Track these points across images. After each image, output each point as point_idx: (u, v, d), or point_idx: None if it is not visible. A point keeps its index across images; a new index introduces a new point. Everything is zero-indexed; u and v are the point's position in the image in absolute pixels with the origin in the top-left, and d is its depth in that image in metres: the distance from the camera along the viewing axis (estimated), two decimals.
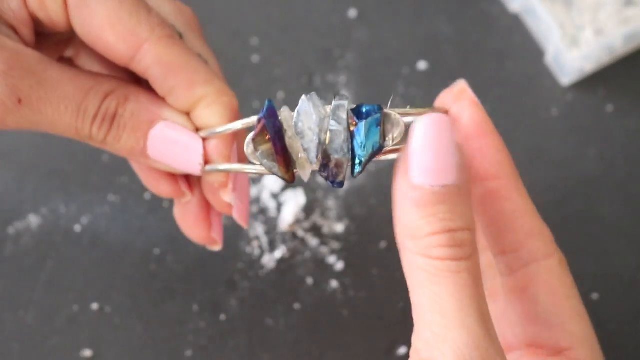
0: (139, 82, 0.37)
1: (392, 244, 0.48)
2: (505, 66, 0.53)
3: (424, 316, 0.31)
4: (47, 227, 0.49)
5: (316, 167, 0.32)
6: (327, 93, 0.52)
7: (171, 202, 0.49)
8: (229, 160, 0.36)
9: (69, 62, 0.40)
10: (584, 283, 0.48)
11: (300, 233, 0.49)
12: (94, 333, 0.47)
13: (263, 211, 0.49)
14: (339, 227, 0.49)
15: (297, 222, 0.49)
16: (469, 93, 0.36)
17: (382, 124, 0.31)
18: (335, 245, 0.49)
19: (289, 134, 0.32)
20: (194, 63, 0.35)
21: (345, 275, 0.48)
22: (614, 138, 0.52)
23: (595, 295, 0.48)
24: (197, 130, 0.36)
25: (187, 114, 0.36)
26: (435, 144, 0.30)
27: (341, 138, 0.31)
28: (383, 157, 0.32)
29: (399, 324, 0.47)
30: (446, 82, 0.53)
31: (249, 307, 0.47)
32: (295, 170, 0.32)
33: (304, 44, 0.54)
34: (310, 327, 0.47)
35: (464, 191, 0.31)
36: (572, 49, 0.52)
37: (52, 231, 0.49)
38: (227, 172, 0.36)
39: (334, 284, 0.48)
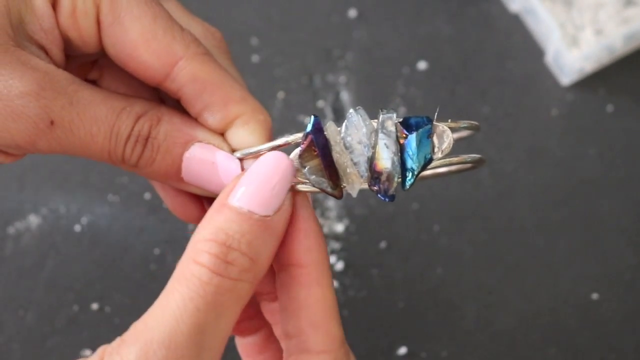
0: (166, 104, 0.37)
1: (392, 244, 0.49)
2: (505, 66, 0.53)
3: (153, 306, 0.32)
4: (47, 227, 0.49)
5: (365, 181, 0.31)
6: (327, 93, 0.53)
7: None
8: None
9: (93, 84, 0.39)
10: (584, 283, 0.48)
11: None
12: (94, 333, 0.47)
13: None
14: (339, 227, 0.49)
15: None
16: None
17: (432, 136, 0.31)
18: (335, 245, 0.49)
19: (337, 149, 0.31)
20: (229, 81, 0.35)
21: (345, 275, 0.48)
22: (614, 138, 0.52)
23: (595, 295, 0.48)
24: (232, 151, 0.35)
25: (222, 134, 0.35)
26: (267, 178, 0.31)
27: (392, 150, 0.31)
28: (430, 172, 0.32)
29: (399, 324, 0.47)
30: (446, 82, 0.53)
31: None
32: (343, 186, 0.32)
33: (304, 44, 0.54)
34: None
35: (268, 230, 0.31)
36: (572, 49, 0.52)
37: (52, 231, 0.49)
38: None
39: (334, 284, 0.48)
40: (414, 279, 0.48)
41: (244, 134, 0.34)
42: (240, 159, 0.34)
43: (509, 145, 0.51)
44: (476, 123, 0.33)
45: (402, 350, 0.47)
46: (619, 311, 0.48)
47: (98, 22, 0.34)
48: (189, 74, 0.34)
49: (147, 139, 0.34)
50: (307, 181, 0.32)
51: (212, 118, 0.34)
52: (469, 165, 0.34)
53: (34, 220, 0.49)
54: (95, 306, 0.47)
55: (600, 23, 0.53)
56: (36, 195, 0.49)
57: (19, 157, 0.36)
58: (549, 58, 0.53)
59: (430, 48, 0.54)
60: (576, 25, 0.53)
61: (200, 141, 0.34)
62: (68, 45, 0.35)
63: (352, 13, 0.55)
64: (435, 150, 0.31)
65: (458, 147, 0.32)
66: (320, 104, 0.52)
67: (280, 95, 0.52)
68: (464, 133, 0.35)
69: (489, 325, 0.47)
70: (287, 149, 0.33)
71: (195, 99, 0.34)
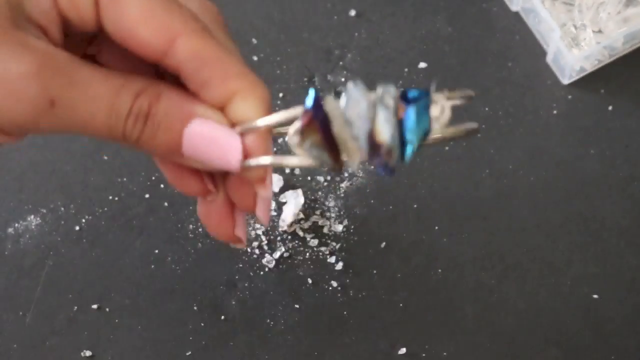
0: (164, 80, 0.37)
1: (392, 244, 0.49)
2: (506, 66, 0.53)
3: None
4: (47, 227, 0.49)
5: (365, 154, 0.31)
6: (327, 93, 0.52)
7: (170, 202, 0.49)
8: (268, 154, 0.35)
9: (92, 60, 0.39)
10: (584, 283, 0.48)
11: (300, 233, 0.49)
12: (94, 333, 0.47)
13: None
14: (339, 227, 0.49)
15: (297, 222, 0.49)
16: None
17: (430, 107, 0.31)
18: (335, 245, 0.49)
19: (337, 123, 0.31)
20: (227, 56, 0.35)
21: (345, 275, 0.48)
22: (615, 137, 0.52)
23: (595, 296, 0.48)
24: (233, 125, 0.35)
25: (221, 109, 0.35)
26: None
27: (391, 124, 0.31)
28: (431, 142, 0.32)
29: (399, 324, 0.47)
30: (446, 82, 0.53)
31: (249, 307, 0.47)
32: (344, 160, 0.32)
33: (304, 43, 0.54)
34: (310, 327, 0.47)
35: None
36: (573, 48, 0.52)
37: (52, 231, 0.49)
38: (267, 167, 0.35)
39: (334, 284, 0.48)
40: (414, 279, 0.48)
41: (244, 109, 0.34)
42: (241, 134, 0.34)
43: (509, 145, 0.51)
44: (471, 92, 0.34)
45: (402, 350, 0.47)
46: (619, 311, 0.48)
47: (96, 2, 0.34)
48: (187, 50, 0.34)
49: (147, 116, 0.34)
50: (305, 153, 0.32)
51: (212, 93, 0.35)
52: (463, 133, 0.34)
53: (33, 220, 0.49)
54: (95, 306, 0.47)
55: (601, 23, 0.53)
56: (36, 195, 0.49)
57: (20, 137, 0.36)
58: (550, 58, 0.53)
59: (430, 48, 0.54)
60: (577, 25, 0.53)
61: (200, 117, 0.34)
62: (67, 25, 0.35)
63: (352, 13, 0.55)
64: (434, 122, 0.31)
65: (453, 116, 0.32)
66: None
67: (280, 95, 0.52)
68: (458, 102, 0.35)
69: (489, 325, 0.47)
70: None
71: (195, 75, 0.34)
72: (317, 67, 0.53)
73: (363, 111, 0.31)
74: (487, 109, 0.52)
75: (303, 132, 0.31)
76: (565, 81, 0.53)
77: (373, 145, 0.31)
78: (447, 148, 0.51)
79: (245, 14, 0.54)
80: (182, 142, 0.34)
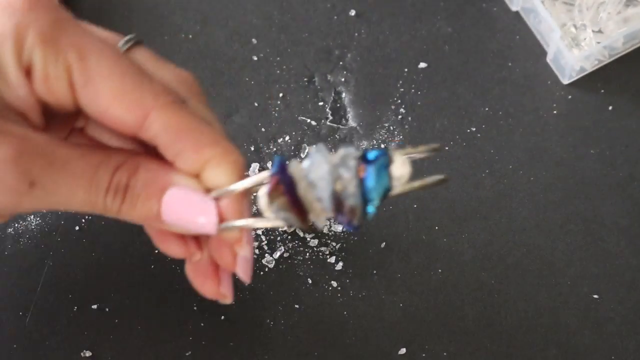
0: (147, 147, 0.39)
1: (392, 245, 0.49)
2: (506, 66, 0.53)
3: None
4: (47, 227, 0.49)
5: (331, 214, 0.33)
6: (327, 93, 0.53)
7: None
8: (242, 216, 0.37)
9: (80, 132, 0.41)
10: (585, 284, 0.48)
11: (300, 233, 0.49)
12: (94, 333, 0.47)
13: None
14: (339, 227, 0.49)
15: None
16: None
17: (389, 166, 0.33)
18: (335, 245, 0.49)
19: (302, 185, 0.33)
20: (199, 126, 0.36)
21: (345, 275, 0.48)
22: (615, 137, 0.52)
23: (595, 296, 0.48)
24: (208, 191, 0.37)
25: (197, 176, 0.37)
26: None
27: (352, 185, 0.32)
28: (395, 194, 0.34)
29: (399, 324, 0.47)
30: (446, 82, 0.53)
31: (249, 307, 0.47)
32: (311, 222, 0.34)
33: (304, 44, 0.54)
34: (310, 327, 0.47)
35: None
36: (573, 48, 0.52)
37: (52, 231, 0.49)
38: (242, 228, 0.37)
39: (334, 284, 0.48)
40: (414, 279, 0.48)
41: (217, 175, 0.36)
42: (216, 199, 0.36)
43: (509, 145, 0.51)
44: (436, 145, 0.36)
45: (402, 351, 0.47)
46: (619, 311, 0.48)
47: (71, 85, 0.36)
48: (160, 124, 0.36)
49: (126, 189, 0.36)
50: (274, 215, 0.34)
51: (186, 163, 0.36)
52: (430, 185, 0.36)
53: (33, 220, 0.49)
54: (95, 306, 0.47)
55: (601, 23, 0.53)
56: None
57: (5, 218, 0.38)
58: (550, 58, 0.53)
59: (430, 48, 0.54)
60: (577, 24, 0.53)
61: (176, 185, 0.36)
62: (46, 108, 0.37)
63: (352, 13, 0.55)
64: (395, 180, 0.33)
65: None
66: (320, 104, 0.52)
67: (280, 95, 0.52)
68: (422, 155, 0.37)
69: (489, 326, 0.47)
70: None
71: (169, 146, 0.36)
72: (317, 67, 0.53)
73: (325, 173, 0.33)
74: (487, 109, 0.52)
75: (271, 196, 0.33)
76: (565, 81, 0.53)
77: (337, 205, 0.33)
78: (446, 148, 0.51)
79: (245, 14, 0.54)
80: (161, 210, 0.36)
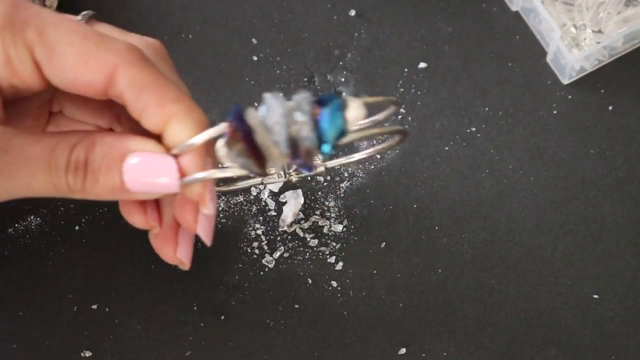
0: (122, 120, 0.40)
1: (392, 244, 0.49)
2: (506, 65, 0.53)
3: None
4: (47, 227, 0.49)
5: (287, 157, 0.34)
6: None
7: None
8: (205, 170, 0.37)
9: (59, 116, 0.42)
10: (585, 283, 0.48)
11: (300, 233, 0.49)
12: (94, 333, 0.47)
13: (263, 211, 0.49)
14: (339, 227, 0.49)
15: (297, 222, 0.49)
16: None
17: (344, 109, 0.34)
18: (335, 245, 0.49)
19: (259, 131, 0.34)
20: (164, 83, 0.37)
21: (345, 275, 0.48)
22: (615, 137, 0.52)
23: (595, 296, 0.48)
24: (169, 150, 0.37)
25: (159, 136, 0.37)
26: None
27: (307, 127, 0.33)
28: (352, 138, 0.36)
29: (399, 324, 0.47)
30: (446, 82, 0.53)
31: (249, 307, 0.47)
32: (270, 166, 0.35)
33: (304, 43, 0.54)
34: (310, 327, 0.47)
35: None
36: (573, 48, 0.52)
37: (52, 231, 0.49)
38: (204, 182, 0.37)
39: (334, 284, 0.48)
40: (414, 279, 0.48)
41: (180, 131, 0.36)
42: (178, 155, 0.36)
43: (509, 145, 0.51)
44: (394, 98, 0.37)
45: (402, 351, 0.47)
46: (619, 312, 0.48)
47: (35, 63, 0.36)
48: (126, 79, 0.36)
49: (85, 164, 0.36)
50: (233, 163, 0.35)
51: (150, 118, 0.37)
52: (397, 140, 0.38)
53: (33, 220, 0.49)
54: (94, 306, 0.47)
55: (601, 23, 0.53)
56: None
57: None
58: (550, 58, 0.53)
59: (430, 48, 0.54)
60: (577, 25, 0.53)
61: (134, 151, 0.36)
62: (15, 92, 0.37)
63: (352, 13, 0.55)
64: (349, 124, 0.34)
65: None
66: None
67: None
68: (390, 110, 0.39)
69: (489, 326, 0.47)
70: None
71: (135, 102, 0.37)
72: (317, 67, 0.53)
73: (280, 117, 0.34)
74: (487, 109, 0.52)
75: (228, 143, 0.34)
76: (565, 81, 0.53)
77: (294, 148, 0.34)
78: (446, 148, 0.51)
79: (245, 14, 0.55)
80: (123, 178, 0.36)
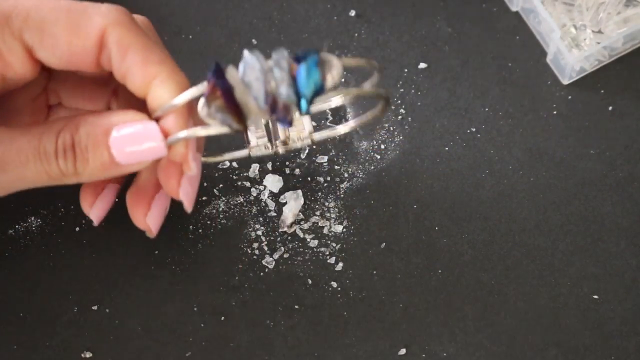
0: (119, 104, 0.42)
1: (392, 245, 0.49)
2: (506, 66, 0.54)
3: None
4: (48, 228, 0.49)
5: (266, 112, 0.35)
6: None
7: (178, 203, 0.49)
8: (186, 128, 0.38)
9: (59, 108, 0.43)
10: (585, 284, 0.48)
11: (300, 234, 0.49)
12: (94, 334, 0.47)
13: (263, 212, 0.49)
14: (339, 228, 0.49)
15: (297, 222, 0.49)
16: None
17: (321, 66, 0.35)
18: (335, 246, 0.49)
19: (238, 89, 0.35)
20: (148, 44, 0.38)
21: (345, 276, 0.48)
22: (615, 137, 0.52)
23: (595, 296, 0.48)
24: (152, 115, 0.38)
25: (144, 98, 0.38)
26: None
27: (285, 82, 0.35)
28: (330, 96, 0.37)
29: (399, 324, 0.47)
30: (446, 82, 0.53)
31: (249, 308, 0.47)
32: (249, 123, 0.36)
33: (304, 44, 0.54)
34: (310, 327, 0.47)
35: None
36: (573, 48, 0.52)
37: (53, 232, 0.49)
38: (186, 142, 0.38)
39: (334, 284, 0.48)
40: (414, 279, 0.48)
41: (162, 92, 0.37)
42: (160, 118, 0.37)
43: (509, 145, 0.52)
44: (375, 63, 0.39)
45: (402, 351, 0.47)
46: (619, 312, 0.48)
47: (27, 50, 0.38)
48: (114, 39, 0.37)
49: (72, 146, 0.37)
50: (214, 120, 0.36)
51: (134, 79, 0.38)
52: (380, 109, 0.40)
53: (34, 221, 0.49)
54: (95, 307, 0.47)
55: (601, 23, 0.53)
56: (36, 196, 0.48)
57: None
58: (550, 58, 0.53)
59: (430, 48, 0.54)
60: (577, 25, 0.53)
61: (117, 123, 0.37)
62: (4, 84, 0.39)
63: (352, 13, 0.55)
64: (327, 77, 0.35)
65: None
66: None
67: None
68: (375, 78, 0.40)
69: (489, 326, 0.47)
70: None
71: (120, 62, 0.38)
72: None
73: (258, 73, 0.35)
74: (486, 109, 0.52)
75: (208, 99, 0.35)
76: (565, 81, 0.53)
77: (272, 104, 0.35)
78: (446, 148, 0.51)
79: (245, 15, 0.55)
80: (111, 152, 0.37)
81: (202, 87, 0.36)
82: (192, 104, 0.38)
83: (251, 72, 0.35)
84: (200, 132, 0.37)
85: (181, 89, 0.37)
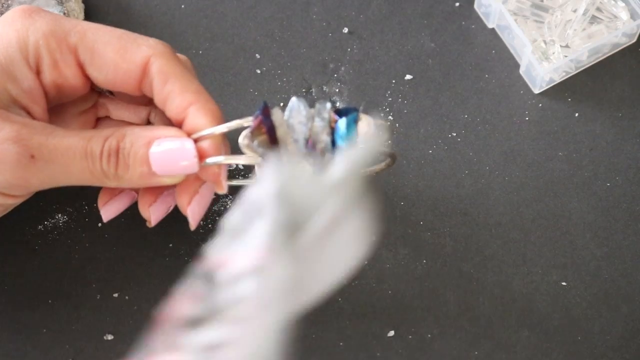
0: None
1: (381, 238, 0.49)
2: (483, 77, 0.54)
3: None
4: (73, 224, 0.50)
5: (302, 153, 0.37)
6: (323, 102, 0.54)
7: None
8: (222, 154, 0.40)
9: (107, 120, 0.45)
10: (554, 272, 0.49)
11: None
12: (115, 319, 0.48)
13: None
14: None
15: None
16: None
17: (357, 122, 0.37)
18: None
19: (281, 129, 0.37)
20: (187, 75, 0.40)
21: None
22: (580, 141, 0.52)
23: (563, 283, 0.49)
24: (189, 135, 0.39)
25: (181, 122, 0.40)
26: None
27: (325, 132, 0.36)
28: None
29: (388, 309, 0.48)
30: (430, 92, 0.53)
31: None
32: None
33: (302, 58, 0.54)
34: (308, 312, 0.45)
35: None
36: (543, 61, 0.53)
37: (78, 228, 0.50)
38: (220, 164, 0.40)
39: None
40: (401, 269, 0.49)
41: (197, 118, 0.39)
42: (198, 139, 0.39)
43: (486, 148, 0.52)
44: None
45: (391, 333, 0.48)
46: (585, 297, 0.49)
47: (79, 65, 0.39)
48: (157, 67, 0.39)
49: (117, 151, 0.38)
50: (251, 151, 0.37)
51: (173, 103, 0.39)
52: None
53: (61, 218, 0.50)
54: (116, 295, 0.49)
55: (568, 39, 0.54)
56: (63, 195, 0.50)
57: (22, 197, 0.40)
58: (522, 70, 0.54)
59: (415, 61, 0.54)
60: (546, 40, 0.54)
61: (159, 137, 0.39)
62: (59, 94, 0.40)
63: (345, 30, 0.55)
64: (361, 132, 0.37)
65: None
66: None
67: (282, 104, 0.53)
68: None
69: (469, 310, 0.49)
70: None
71: (161, 88, 0.39)
72: (314, 79, 0.54)
73: (303, 119, 0.36)
74: (466, 116, 0.53)
75: (253, 133, 0.37)
76: (536, 91, 0.53)
77: (310, 148, 0.36)
78: (430, 151, 0.52)
79: (249, 32, 0.55)
80: (150, 162, 0.38)
81: (242, 121, 0.37)
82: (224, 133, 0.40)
83: (296, 117, 0.37)
84: (239, 159, 0.39)
85: (215, 116, 0.39)
